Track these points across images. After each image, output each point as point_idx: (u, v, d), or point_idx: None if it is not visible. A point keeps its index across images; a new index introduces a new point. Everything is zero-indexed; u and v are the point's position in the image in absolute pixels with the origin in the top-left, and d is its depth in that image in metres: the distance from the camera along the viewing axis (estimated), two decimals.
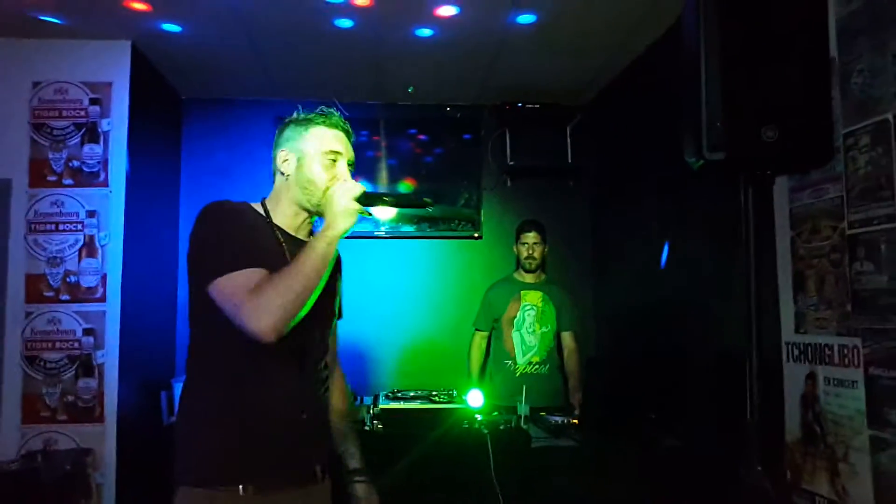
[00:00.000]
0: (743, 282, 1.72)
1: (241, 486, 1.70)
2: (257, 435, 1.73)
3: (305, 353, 1.83)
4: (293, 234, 1.88)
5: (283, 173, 1.89)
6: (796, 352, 2.50)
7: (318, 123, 1.92)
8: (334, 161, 1.88)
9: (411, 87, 4.54)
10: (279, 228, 1.86)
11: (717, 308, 3.07)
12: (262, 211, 1.87)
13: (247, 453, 1.73)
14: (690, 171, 1.76)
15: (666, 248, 3.71)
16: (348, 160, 1.91)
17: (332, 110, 1.96)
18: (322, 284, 1.70)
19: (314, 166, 1.86)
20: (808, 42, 1.63)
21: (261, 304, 1.60)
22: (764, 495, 1.64)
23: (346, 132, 1.95)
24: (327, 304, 1.90)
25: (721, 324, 3.00)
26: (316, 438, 1.87)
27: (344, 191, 1.79)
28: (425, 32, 3.72)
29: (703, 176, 1.77)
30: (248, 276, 1.65)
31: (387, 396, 3.53)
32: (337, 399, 2.07)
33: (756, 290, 1.72)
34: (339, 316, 2.08)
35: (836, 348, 2.30)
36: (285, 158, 1.89)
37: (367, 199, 1.81)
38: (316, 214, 1.90)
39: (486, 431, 3.14)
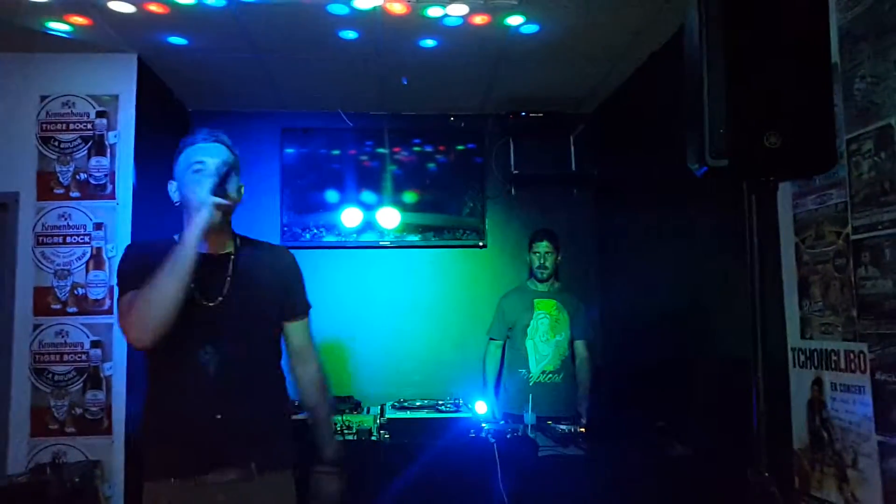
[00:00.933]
0: (747, 288, 1.72)
1: (171, 479, 1.92)
2: (172, 436, 1.94)
3: (220, 358, 1.95)
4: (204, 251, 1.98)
5: (175, 202, 2.08)
6: (802, 357, 2.50)
7: (183, 147, 2.09)
8: (200, 170, 2.00)
9: (405, 79, 4.53)
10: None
11: (723, 315, 3.06)
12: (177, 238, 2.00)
13: (166, 453, 1.95)
14: (695, 179, 1.77)
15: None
16: (221, 162, 2.01)
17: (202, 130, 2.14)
18: (185, 286, 1.84)
19: (185, 184, 2.01)
20: (810, 48, 1.64)
21: (128, 320, 1.87)
22: (772, 501, 1.63)
23: (215, 141, 2.09)
24: (252, 308, 2.02)
25: (727, 330, 3.00)
26: (242, 437, 1.96)
27: (194, 183, 1.94)
28: (429, 43, 3.74)
29: (707, 183, 1.78)
30: (126, 298, 1.91)
31: (393, 406, 3.54)
32: (305, 394, 2.19)
33: (760, 296, 1.72)
34: (293, 317, 2.16)
35: (842, 354, 2.30)
36: (172, 189, 2.09)
37: (221, 188, 1.94)
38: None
39: (492, 440, 3.15)
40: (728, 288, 3.00)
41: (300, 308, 2.18)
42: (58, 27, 3.49)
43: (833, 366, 2.34)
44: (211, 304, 1.98)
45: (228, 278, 2.02)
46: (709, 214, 3.21)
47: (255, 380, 2.03)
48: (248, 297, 2.01)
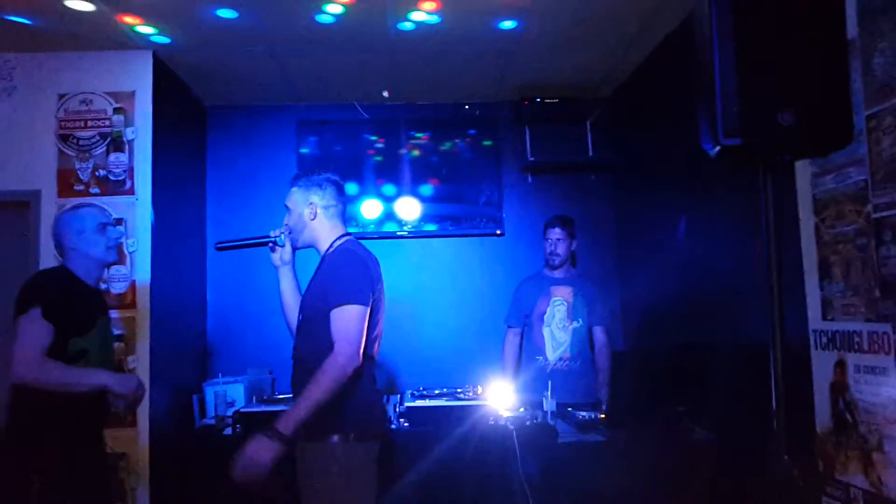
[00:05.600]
0: (765, 270, 1.69)
1: None
2: None
3: None
4: None
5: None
6: (824, 339, 2.46)
7: None
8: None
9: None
10: None
11: (743, 298, 3.03)
12: None
13: None
14: (712, 160, 1.74)
15: (682, 223, 3.67)
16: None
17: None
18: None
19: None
20: (824, 22, 1.60)
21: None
22: (792, 485, 1.61)
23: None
24: None
25: (747, 313, 2.96)
26: None
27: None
28: (432, 19, 3.63)
29: (723, 164, 1.75)
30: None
31: (412, 394, 3.55)
32: None
33: (778, 277, 1.69)
34: None
35: (865, 335, 2.26)
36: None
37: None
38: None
39: (512, 427, 3.14)
40: (749, 270, 2.95)
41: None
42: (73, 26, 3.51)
43: (856, 347, 2.30)
44: None
45: None
46: (727, 196, 3.17)
47: None
48: None
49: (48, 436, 2.44)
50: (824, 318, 2.46)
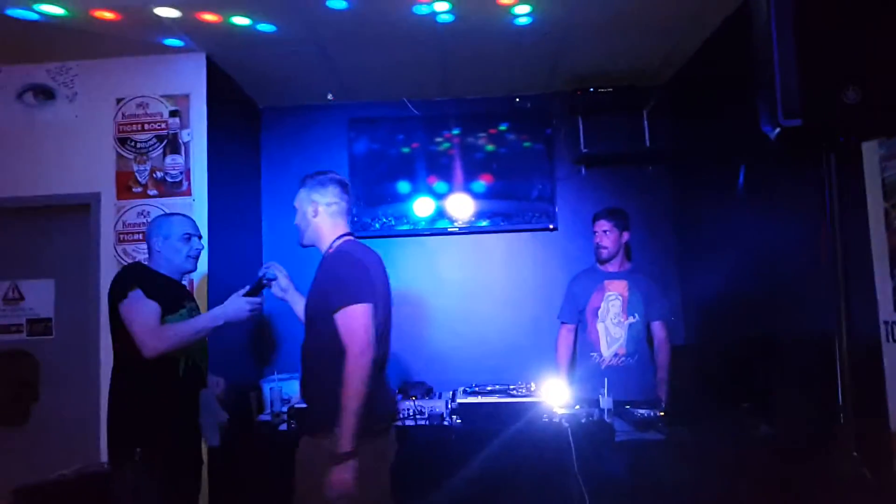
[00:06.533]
0: (828, 258, 1.61)
1: None
2: None
3: None
4: None
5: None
6: None
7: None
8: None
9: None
10: None
11: (809, 289, 2.89)
12: None
13: None
14: (774, 146, 1.66)
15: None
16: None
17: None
18: None
19: None
20: None
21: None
22: (861, 483, 1.52)
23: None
24: None
25: (813, 305, 2.82)
26: None
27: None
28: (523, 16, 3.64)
29: (784, 148, 1.67)
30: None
31: (465, 391, 3.52)
32: None
33: (843, 265, 1.60)
34: None
35: None
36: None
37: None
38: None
39: (567, 425, 3.09)
40: (814, 260, 2.82)
41: None
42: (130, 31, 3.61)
43: None
44: None
45: None
46: (791, 183, 3.04)
47: None
48: None
49: (149, 411, 2.64)
50: None
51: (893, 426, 2.36)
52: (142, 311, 2.63)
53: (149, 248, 2.89)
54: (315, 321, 2.50)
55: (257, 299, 2.81)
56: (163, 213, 3.14)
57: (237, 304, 2.79)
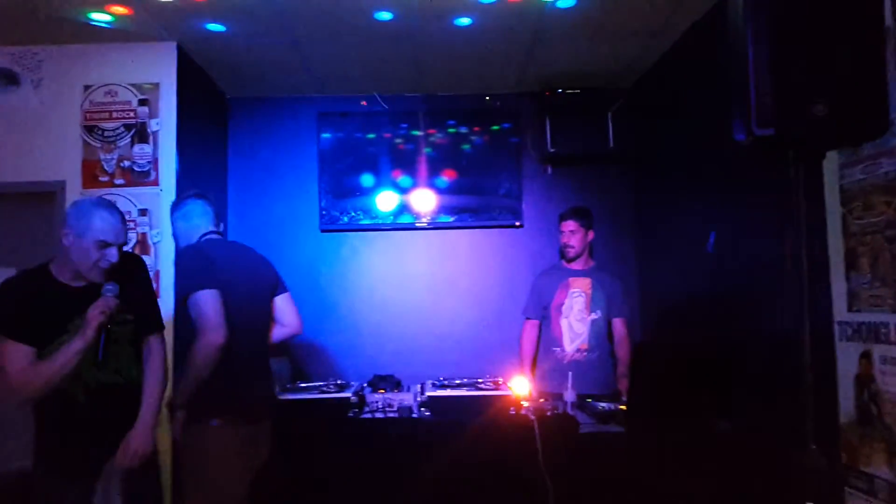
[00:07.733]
0: (792, 260, 1.70)
1: None
2: None
3: None
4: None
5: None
6: (849, 331, 2.45)
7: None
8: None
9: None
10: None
11: (768, 288, 3.02)
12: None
13: None
14: (737, 151, 1.75)
15: (712, 237, 3.65)
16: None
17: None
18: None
19: None
20: (860, 12, 1.60)
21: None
22: (819, 474, 1.62)
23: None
24: None
25: (772, 304, 2.95)
26: None
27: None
28: (464, 21, 3.71)
29: (750, 154, 1.76)
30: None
31: (434, 384, 3.57)
32: None
33: (809, 268, 1.70)
34: None
35: (892, 326, 2.25)
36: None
37: None
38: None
39: (533, 418, 3.16)
40: (773, 260, 2.94)
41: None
42: (100, 18, 3.56)
43: (882, 339, 2.30)
44: None
45: None
46: (752, 187, 3.16)
47: None
48: None
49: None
50: (850, 309, 2.45)
51: (843, 420, 2.49)
52: (10, 358, 2.32)
53: (59, 236, 2.43)
54: (182, 311, 2.80)
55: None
56: (89, 200, 2.52)
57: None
